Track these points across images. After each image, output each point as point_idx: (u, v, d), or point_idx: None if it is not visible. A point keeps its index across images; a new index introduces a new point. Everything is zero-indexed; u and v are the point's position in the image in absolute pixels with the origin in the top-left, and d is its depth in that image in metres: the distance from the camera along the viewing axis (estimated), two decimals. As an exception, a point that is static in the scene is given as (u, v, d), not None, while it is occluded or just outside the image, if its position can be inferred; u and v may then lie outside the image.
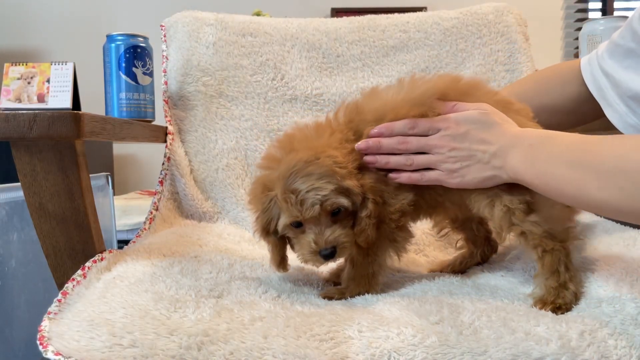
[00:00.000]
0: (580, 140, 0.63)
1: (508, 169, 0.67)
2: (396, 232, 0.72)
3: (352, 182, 0.67)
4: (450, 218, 0.85)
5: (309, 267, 0.85)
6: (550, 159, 0.63)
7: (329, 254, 0.67)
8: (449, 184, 0.71)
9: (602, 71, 0.84)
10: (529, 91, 0.93)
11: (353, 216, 0.69)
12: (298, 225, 0.68)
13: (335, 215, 0.68)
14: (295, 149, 0.68)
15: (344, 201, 0.66)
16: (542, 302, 0.65)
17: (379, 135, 0.72)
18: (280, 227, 0.68)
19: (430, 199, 0.74)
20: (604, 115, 0.85)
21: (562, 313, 0.63)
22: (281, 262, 0.73)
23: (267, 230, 0.71)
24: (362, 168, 0.71)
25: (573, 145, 0.63)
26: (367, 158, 0.72)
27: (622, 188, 0.55)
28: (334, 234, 0.67)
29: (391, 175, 0.72)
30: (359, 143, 0.72)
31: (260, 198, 0.69)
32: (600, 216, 0.99)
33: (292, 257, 0.73)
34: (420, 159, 0.71)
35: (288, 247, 0.74)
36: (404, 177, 0.71)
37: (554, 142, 0.65)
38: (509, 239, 0.84)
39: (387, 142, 0.71)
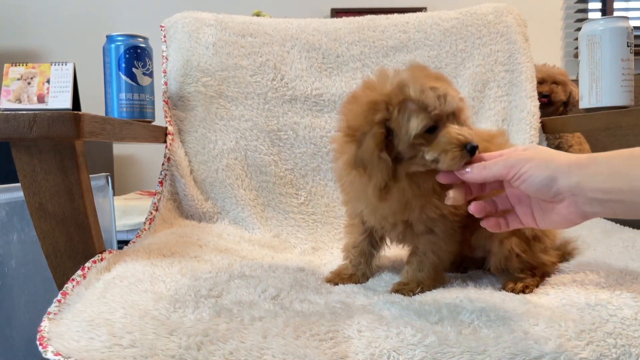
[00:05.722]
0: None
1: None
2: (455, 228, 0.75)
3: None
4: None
5: (310, 267, 0.85)
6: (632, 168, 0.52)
7: (473, 148, 0.60)
8: None
9: None
10: None
11: None
12: (430, 129, 0.62)
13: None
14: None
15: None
16: (510, 289, 0.72)
17: None
18: (413, 133, 0.62)
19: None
20: None
21: (530, 292, 0.70)
22: (386, 186, 0.65)
23: (381, 148, 0.63)
24: None
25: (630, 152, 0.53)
26: None
27: None
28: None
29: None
30: None
31: (375, 110, 0.63)
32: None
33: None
34: None
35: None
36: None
37: (609, 159, 0.54)
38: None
39: None
